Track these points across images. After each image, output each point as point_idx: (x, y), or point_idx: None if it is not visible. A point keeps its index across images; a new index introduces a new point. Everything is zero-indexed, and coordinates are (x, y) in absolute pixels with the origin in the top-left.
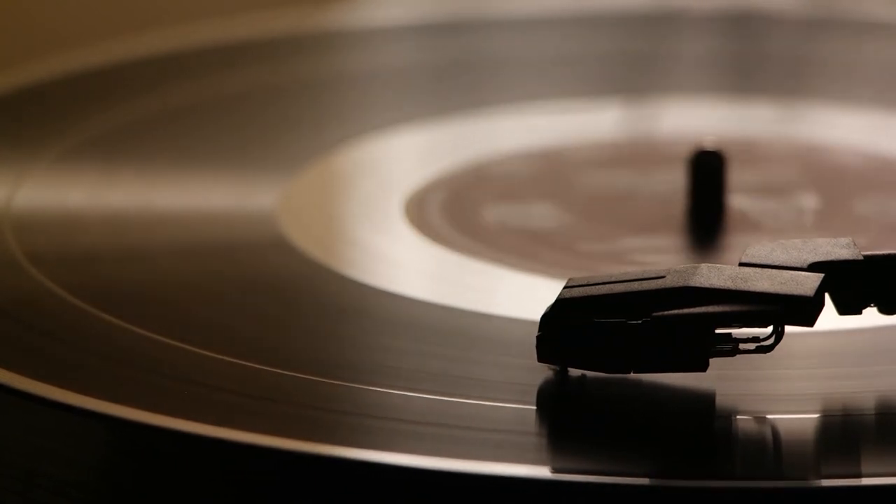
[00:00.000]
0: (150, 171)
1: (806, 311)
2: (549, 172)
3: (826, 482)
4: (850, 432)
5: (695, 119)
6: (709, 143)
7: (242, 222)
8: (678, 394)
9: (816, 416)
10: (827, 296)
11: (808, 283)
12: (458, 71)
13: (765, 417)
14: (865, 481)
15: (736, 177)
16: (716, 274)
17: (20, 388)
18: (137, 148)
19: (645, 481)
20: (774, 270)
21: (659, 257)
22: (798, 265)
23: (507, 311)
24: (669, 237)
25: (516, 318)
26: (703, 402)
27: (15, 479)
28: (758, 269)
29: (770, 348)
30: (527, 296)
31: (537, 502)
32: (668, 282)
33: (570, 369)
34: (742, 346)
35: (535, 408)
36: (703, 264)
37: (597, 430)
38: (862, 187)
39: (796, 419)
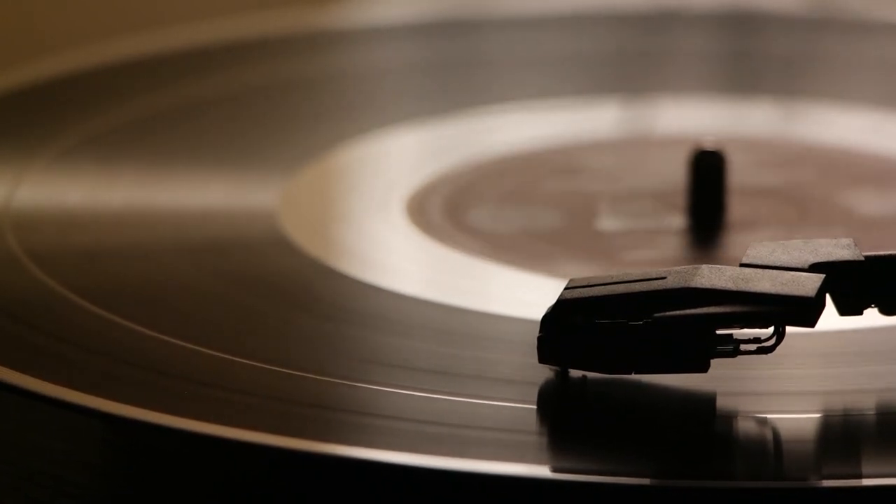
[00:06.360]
0: (150, 170)
1: (807, 311)
2: (548, 172)
3: (826, 482)
4: (850, 432)
5: (695, 119)
6: (709, 143)
7: (242, 221)
8: (679, 394)
9: (816, 416)
10: (828, 296)
11: (809, 283)
12: (458, 71)
13: (765, 418)
14: (865, 482)
15: (736, 177)
16: (717, 275)
17: (20, 386)
18: (137, 147)
19: (645, 481)
20: (775, 271)
21: (659, 258)
22: (799, 266)
23: (508, 311)
24: (670, 237)
25: (517, 318)
26: (704, 403)
27: (15, 477)
28: (759, 270)
29: (771, 349)
30: (528, 296)
31: (537, 502)
32: (669, 283)
33: (570, 370)
34: (743, 346)
35: (535, 408)
36: (704, 265)
37: (597, 430)
38: (862, 187)
39: (796, 419)
